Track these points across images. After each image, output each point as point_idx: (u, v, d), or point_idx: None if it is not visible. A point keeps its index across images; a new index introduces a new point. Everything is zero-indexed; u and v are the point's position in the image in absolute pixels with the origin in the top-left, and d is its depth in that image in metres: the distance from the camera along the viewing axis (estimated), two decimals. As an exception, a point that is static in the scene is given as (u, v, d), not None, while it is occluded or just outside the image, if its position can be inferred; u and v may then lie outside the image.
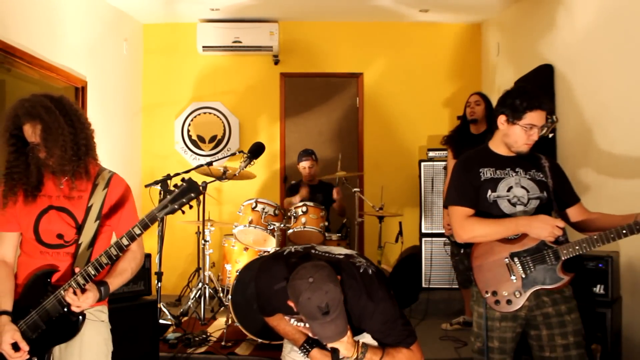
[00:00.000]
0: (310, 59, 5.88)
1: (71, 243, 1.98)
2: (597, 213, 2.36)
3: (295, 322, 1.95)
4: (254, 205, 4.12)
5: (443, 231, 4.50)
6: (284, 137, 5.95)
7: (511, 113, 2.28)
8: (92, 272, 1.88)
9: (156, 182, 3.35)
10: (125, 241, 1.90)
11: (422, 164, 5.02)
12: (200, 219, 4.56)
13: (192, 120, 5.88)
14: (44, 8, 4.05)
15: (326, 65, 5.87)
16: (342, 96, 5.97)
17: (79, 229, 1.98)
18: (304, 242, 3.44)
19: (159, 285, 3.68)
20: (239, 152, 4.31)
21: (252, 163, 4.20)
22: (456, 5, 5.28)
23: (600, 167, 3.60)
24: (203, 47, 5.66)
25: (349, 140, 5.89)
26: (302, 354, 2.07)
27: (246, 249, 4.54)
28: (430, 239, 4.94)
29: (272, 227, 4.05)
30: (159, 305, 3.61)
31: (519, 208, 2.28)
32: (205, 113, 5.88)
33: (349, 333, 1.85)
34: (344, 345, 1.86)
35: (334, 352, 1.91)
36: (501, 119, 2.33)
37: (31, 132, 1.90)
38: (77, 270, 1.89)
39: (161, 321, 3.93)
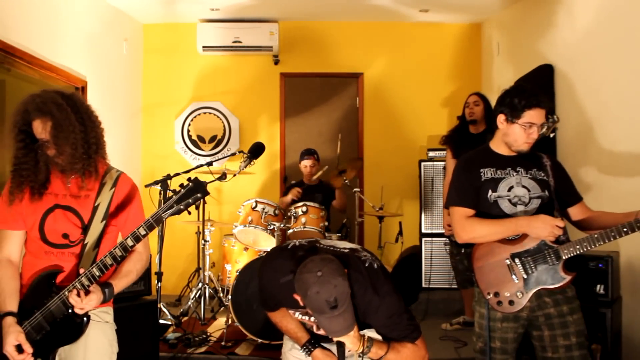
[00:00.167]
0: (310, 59, 5.88)
1: (76, 243, 1.94)
2: (599, 211, 2.36)
3: (301, 316, 1.93)
4: (254, 205, 4.12)
5: (443, 231, 4.50)
6: (284, 137, 5.95)
7: (510, 112, 2.28)
8: (97, 274, 1.85)
9: (156, 182, 3.36)
10: (130, 242, 1.86)
11: (422, 163, 5.03)
12: (200, 219, 4.56)
13: (192, 120, 5.87)
14: (44, 8, 4.05)
15: (326, 65, 5.87)
16: (342, 96, 5.97)
17: (85, 229, 1.94)
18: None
19: (159, 285, 3.68)
20: (239, 152, 4.31)
21: (252, 163, 4.21)
22: (456, 5, 5.28)
23: (601, 166, 3.60)
24: (203, 47, 5.66)
25: (349, 140, 5.89)
26: (303, 352, 2.06)
27: (246, 249, 4.54)
28: (430, 239, 4.95)
29: (272, 227, 4.05)
30: (159, 305, 3.61)
31: (520, 208, 2.28)
32: (205, 113, 5.88)
33: (355, 327, 1.82)
34: (350, 339, 1.83)
35: (340, 346, 1.89)
36: (500, 118, 2.33)
37: (41, 129, 1.85)
38: (81, 271, 1.86)
39: (161, 321, 3.93)
